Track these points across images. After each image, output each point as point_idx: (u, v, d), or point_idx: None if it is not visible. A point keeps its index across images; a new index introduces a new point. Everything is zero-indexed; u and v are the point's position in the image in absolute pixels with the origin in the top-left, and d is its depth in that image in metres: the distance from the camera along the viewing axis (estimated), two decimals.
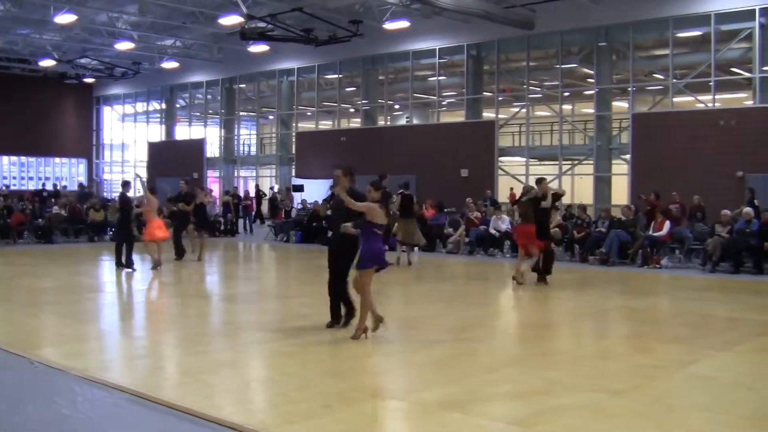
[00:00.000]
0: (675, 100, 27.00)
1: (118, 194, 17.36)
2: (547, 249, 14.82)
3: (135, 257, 16.57)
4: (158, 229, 16.77)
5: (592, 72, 29.50)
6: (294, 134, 38.86)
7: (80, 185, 37.49)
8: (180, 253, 18.62)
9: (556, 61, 29.95)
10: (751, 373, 7.94)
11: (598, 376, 7.47)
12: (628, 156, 27.13)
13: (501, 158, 30.91)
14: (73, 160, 48.45)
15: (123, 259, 16.39)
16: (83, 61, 38.68)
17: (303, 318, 10.69)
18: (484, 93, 31.99)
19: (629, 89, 28.40)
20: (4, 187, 35.04)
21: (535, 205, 14.50)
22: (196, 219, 19.17)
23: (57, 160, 47.73)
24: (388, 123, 37.07)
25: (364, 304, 8.96)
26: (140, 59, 38.87)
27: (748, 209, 17.69)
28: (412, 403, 6.51)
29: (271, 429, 5.64)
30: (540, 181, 14.99)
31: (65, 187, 39.05)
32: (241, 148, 43.84)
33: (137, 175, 22.23)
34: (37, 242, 23.56)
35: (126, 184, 17.91)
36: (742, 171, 23.18)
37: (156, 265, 16.50)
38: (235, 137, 43.07)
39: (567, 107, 32.00)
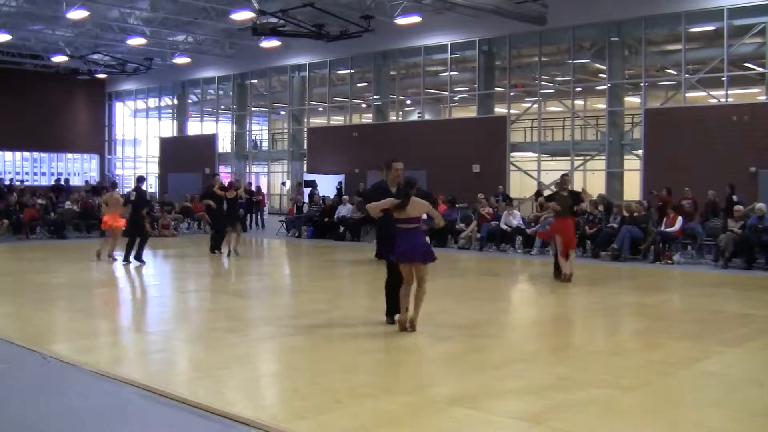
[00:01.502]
0: (687, 95, 26.89)
1: (133, 188, 17.33)
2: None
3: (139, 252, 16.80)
4: (110, 222, 17.20)
5: (604, 67, 29.39)
6: (305, 130, 38.92)
7: (58, 180, 37.29)
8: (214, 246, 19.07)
9: (567, 57, 29.85)
10: (762, 369, 7.92)
11: (609, 372, 7.45)
12: (640, 152, 27.05)
13: (513, 154, 30.85)
14: (86, 156, 48.64)
15: (132, 254, 16.58)
16: (95, 56, 38.75)
17: (314, 313, 10.72)
18: (496, 88, 31.92)
19: (641, 84, 28.33)
20: (18, 182, 35.10)
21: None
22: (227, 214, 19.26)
23: (69, 155, 47.93)
24: (400, 118, 37.09)
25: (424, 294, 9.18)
26: (152, 55, 38.95)
27: (761, 205, 17.60)
28: (422, 399, 6.52)
29: (282, 424, 5.66)
30: (563, 176, 15.21)
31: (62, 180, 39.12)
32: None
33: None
34: (49, 238, 23.68)
35: (141, 179, 18.00)
36: (755, 167, 23.08)
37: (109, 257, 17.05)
38: (247, 133, 43.14)
39: (579, 103, 31.93)
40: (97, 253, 17.27)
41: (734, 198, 20.58)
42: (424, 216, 9.37)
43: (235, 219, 19.24)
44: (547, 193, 26.07)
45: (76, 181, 42.60)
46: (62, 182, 35.04)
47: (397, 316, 9.30)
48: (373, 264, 17.12)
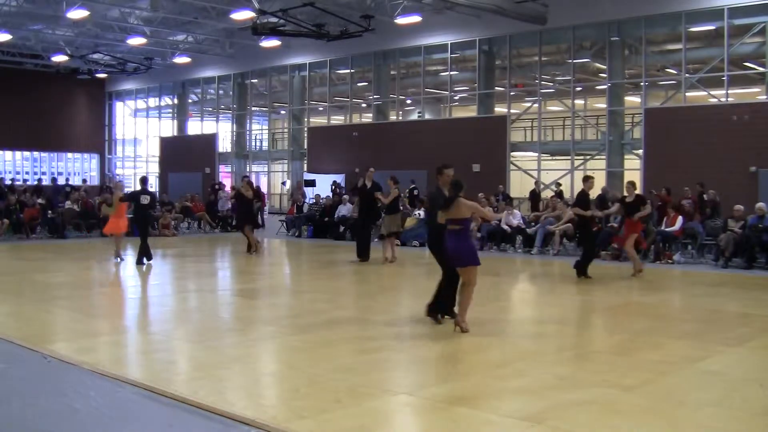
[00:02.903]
0: (687, 95, 26.90)
1: (140, 190, 17.13)
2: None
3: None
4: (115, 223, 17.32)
5: (604, 67, 29.42)
6: (306, 129, 38.92)
7: (40, 180, 37.01)
8: (248, 246, 19.14)
9: (568, 56, 29.87)
10: (762, 369, 7.92)
11: (609, 372, 7.45)
12: (640, 151, 27.07)
13: (513, 153, 30.87)
14: (86, 156, 48.66)
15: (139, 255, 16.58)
16: (95, 56, 38.78)
17: (314, 313, 10.71)
18: (496, 88, 31.94)
19: (641, 84, 28.35)
20: (19, 183, 35.04)
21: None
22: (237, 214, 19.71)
23: (69, 155, 47.95)
24: (400, 118, 37.10)
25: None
26: (152, 54, 38.98)
27: (761, 204, 17.59)
28: (422, 399, 6.52)
29: (282, 424, 5.66)
30: (587, 178, 15.46)
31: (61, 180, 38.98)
32: (253, 143, 43.91)
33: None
34: (49, 237, 23.67)
35: (145, 180, 17.97)
36: (755, 166, 23.08)
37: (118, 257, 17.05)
38: (247, 132, 43.15)
39: (579, 102, 31.93)
40: (116, 254, 17.21)
41: (704, 197, 20.71)
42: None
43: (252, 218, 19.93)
44: (549, 194, 26.10)
45: (76, 181, 42.67)
46: (43, 182, 34.98)
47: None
48: (373, 264, 17.11)
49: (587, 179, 15.47)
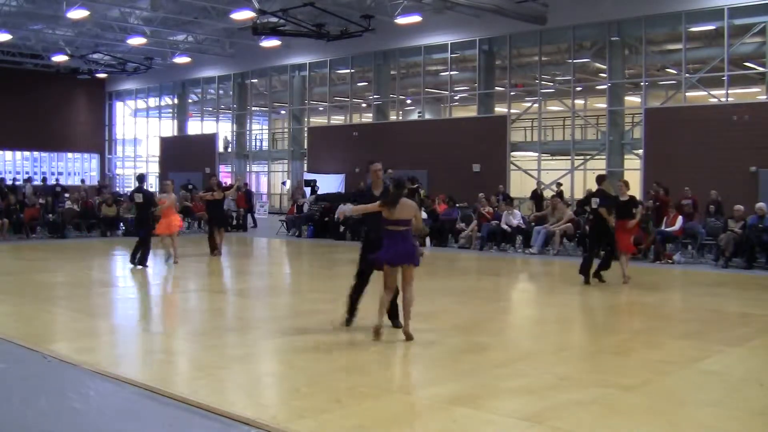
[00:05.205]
0: (688, 94, 26.88)
1: (136, 189, 16.61)
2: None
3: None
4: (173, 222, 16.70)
5: (604, 67, 29.39)
6: (306, 129, 38.91)
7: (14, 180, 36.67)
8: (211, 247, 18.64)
9: (568, 56, 29.85)
10: (762, 369, 7.92)
11: (609, 372, 7.46)
12: (640, 151, 27.06)
13: (513, 153, 30.86)
14: (86, 156, 48.66)
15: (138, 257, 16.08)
16: (95, 56, 38.76)
17: (315, 313, 10.70)
18: (496, 88, 31.93)
19: (642, 84, 28.32)
20: (23, 181, 34.99)
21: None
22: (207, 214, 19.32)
23: (69, 155, 47.96)
24: (400, 118, 37.08)
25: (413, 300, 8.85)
26: (152, 54, 38.97)
27: (761, 204, 17.59)
28: (422, 398, 6.52)
29: (283, 424, 5.66)
30: (602, 179, 15.13)
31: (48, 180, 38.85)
32: (253, 143, 43.90)
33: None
34: (49, 237, 23.66)
35: (142, 178, 17.57)
36: (755, 166, 23.06)
37: (171, 258, 16.53)
38: (247, 132, 43.13)
39: (579, 102, 31.91)
40: (167, 255, 16.68)
41: (661, 192, 20.74)
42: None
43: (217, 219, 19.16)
44: (549, 193, 26.11)
45: (75, 180, 42.69)
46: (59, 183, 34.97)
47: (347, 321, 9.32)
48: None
49: (603, 178, 15.09)
